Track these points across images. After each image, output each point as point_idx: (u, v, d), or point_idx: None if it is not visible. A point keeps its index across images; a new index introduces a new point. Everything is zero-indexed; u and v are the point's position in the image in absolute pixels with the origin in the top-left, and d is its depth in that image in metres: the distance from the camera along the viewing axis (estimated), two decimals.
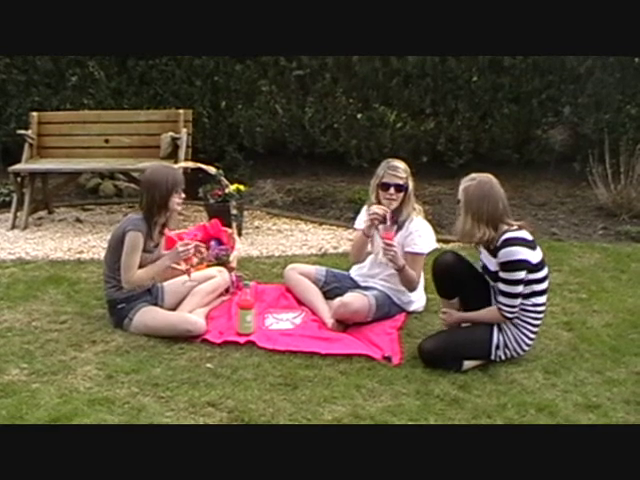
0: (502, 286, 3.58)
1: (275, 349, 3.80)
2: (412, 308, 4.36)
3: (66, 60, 7.66)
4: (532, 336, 3.71)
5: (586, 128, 7.43)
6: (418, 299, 4.37)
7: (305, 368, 3.61)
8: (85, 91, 7.66)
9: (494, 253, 3.60)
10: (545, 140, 7.64)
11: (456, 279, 3.79)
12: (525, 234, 3.60)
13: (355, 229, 4.49)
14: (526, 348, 3.72)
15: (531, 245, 3.59)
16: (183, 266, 4.25)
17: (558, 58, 7.36)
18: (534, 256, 3.56)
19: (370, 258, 4.36)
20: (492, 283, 3.70)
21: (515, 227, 3.60)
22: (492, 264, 3.64)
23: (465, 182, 3.64)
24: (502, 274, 3.56)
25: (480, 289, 3.75)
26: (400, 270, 4.03)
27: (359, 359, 3.72)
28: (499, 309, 3.60)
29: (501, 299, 3.60)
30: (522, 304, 3.60)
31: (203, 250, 4.32)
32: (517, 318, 3.63)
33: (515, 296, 3.56)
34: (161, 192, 4.04)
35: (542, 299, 3.66)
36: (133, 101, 7.62)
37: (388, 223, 4.01)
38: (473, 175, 3.67)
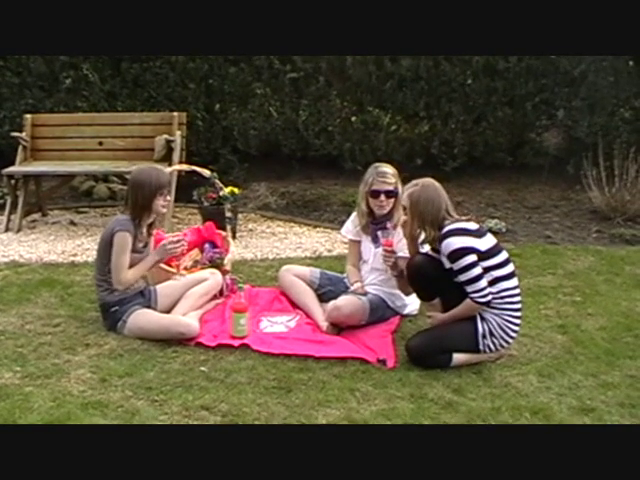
0: (460, 277, 3.63)
1: (269, 352, 3.79)
2: (406, 311, 4.36)
3: (60, 63, 7.64)
4: (516, 321, 3.73)
5: (580, 131, 7.45)
6: (412, 302, 4.36)
7: (299, 371, 3.60)
8: (79, 94, 7.63)
9: (439, 251, 3.70)
10: (539, 143, 7.65)
11: (429, 279, 3.82)
12: (465, 224, 3.71)
13: (347, 238, 4.51)
14: (513, 335, 3.75)
15: (474, 233, 3.68)
16: (174, 269, 4.23)
17: (552, 62, 7.38)
18: (480, 243, 3.65)
19: (364, 265, 4.37)
20: (455, 279, 3.71)
21: (460, 219, 3.72)
22: (446, 262, 3.69)
23: (409, 188, 3.78)
24: (453, 266, 3.63)
25: (455, 285, 3.73)
26: (399, 276, 4.02)
27: (353, 362, 3.71)
28: (471, 298, 3.63)
29: (467, 288, 3.63)
30: (491, 292, 3.63)
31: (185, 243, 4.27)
32: (495, 306, 3.65)
33: (476, 279, 3.60)
34: (144, 193, 4.03)
35: (510, 283, 3.70)
36: (127, 104, 7.59)
37: (389, 229, 4.01)
38: (416, 181, 3.80)
